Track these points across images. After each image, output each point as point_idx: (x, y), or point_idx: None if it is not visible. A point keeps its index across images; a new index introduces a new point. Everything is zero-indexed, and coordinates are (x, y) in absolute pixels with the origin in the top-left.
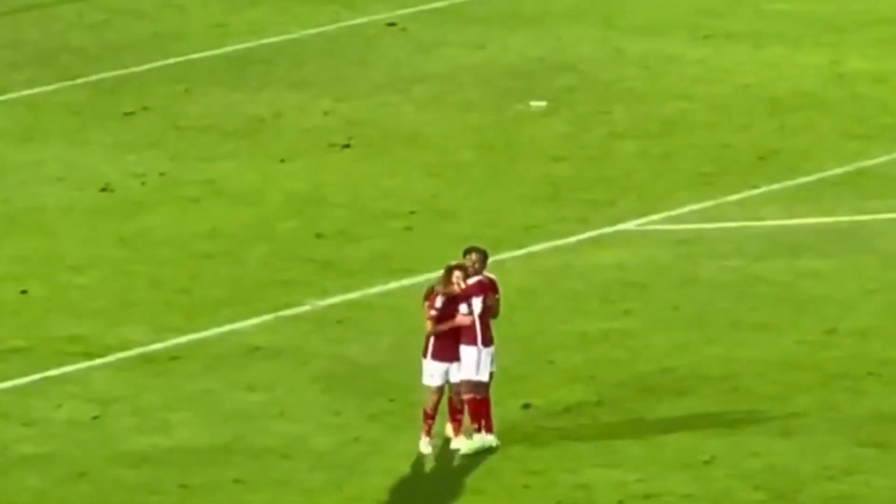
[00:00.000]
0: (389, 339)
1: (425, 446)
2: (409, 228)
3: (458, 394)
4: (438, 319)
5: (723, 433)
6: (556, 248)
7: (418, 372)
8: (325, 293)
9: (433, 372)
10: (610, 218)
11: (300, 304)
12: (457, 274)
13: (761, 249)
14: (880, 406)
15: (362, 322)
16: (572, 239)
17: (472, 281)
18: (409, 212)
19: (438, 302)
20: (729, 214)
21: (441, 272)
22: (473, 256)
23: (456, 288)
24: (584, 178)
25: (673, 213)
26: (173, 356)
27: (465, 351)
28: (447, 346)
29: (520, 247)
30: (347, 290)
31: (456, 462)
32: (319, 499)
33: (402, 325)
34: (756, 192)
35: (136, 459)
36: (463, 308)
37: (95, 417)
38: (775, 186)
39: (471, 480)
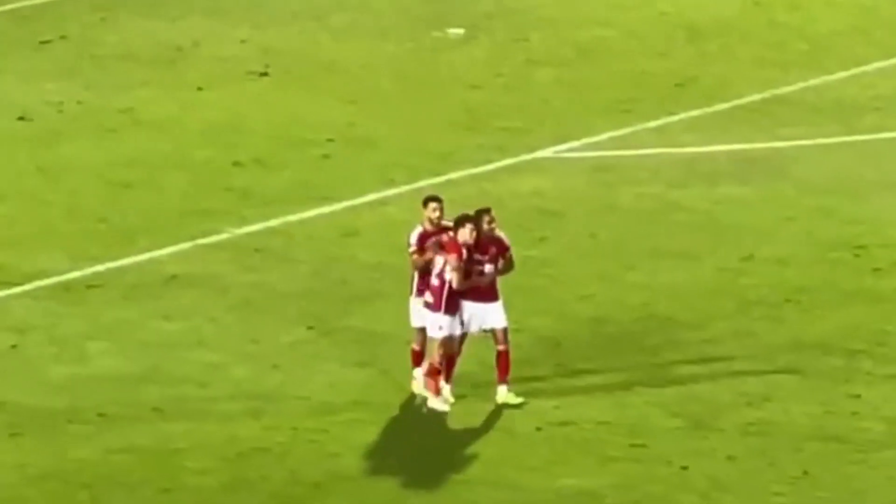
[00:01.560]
0: (308, 267)
1: (441, 404)
2: (326, 156)
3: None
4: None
5: (640, 360)
6: (474, 176)
7: (337, 299)
8: (243, 221)
9: (442, 323)
10: (527, 145)
11: (218, 232)
12: (469, 226)
13: (679, 176)
14: (798, 333)
15: (280, 250)
16: (489, 166)
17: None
18: (327, 140)
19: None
20: (647, 141)
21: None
22: (488, 217)
23: (470, 240)
24: (501, 105)
25: (590, 140)
26: (91, 285)
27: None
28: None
29: (437, 174)
30: (265, 218)
31: (372, 395)
32: (237, 427)
33: (320, 253)
34: (674, 119)
35: (54, 388)
36: (488, 267)
37: (13, 346)
38: (693, 113)
39: (385, 409)
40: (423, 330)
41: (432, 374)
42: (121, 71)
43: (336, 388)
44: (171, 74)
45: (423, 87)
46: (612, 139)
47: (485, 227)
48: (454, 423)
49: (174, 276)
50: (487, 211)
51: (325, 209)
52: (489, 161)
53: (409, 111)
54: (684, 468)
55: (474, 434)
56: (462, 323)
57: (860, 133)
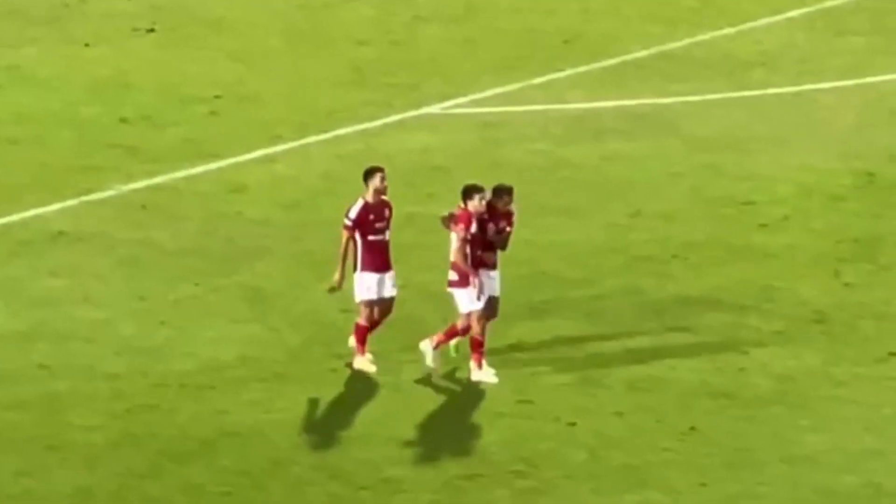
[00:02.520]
0: (195, 224)
1: (489, 376)
2: (214, 113)
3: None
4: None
5: (528, 317)
6: (361, 132)
7: (224, 256)
8: (129, 178)
9: (475, 296)
10: (414, 102)
11: (105, 189)
12: (479, 196)
13: (566, 133)
14: (685, 289)
15: (167, 207)
16: (377, 123)
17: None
18: (214, 97)
19: (474, 227)
20: (534, 98)
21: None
22: (508, 197)
23: (481, 209)
24: (388, 61)
25: (478, 96)
26: None
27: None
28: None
29: (325, 131)
30: (152, 175)
31: (260, 351)
32: (124, 384)
33: (207, 210)
34: (561, 75)
35: None
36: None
37: None
38: (580, 70)
39: (273, 365)
40: (370, 304)
41: (476, 347)
42: (7, 28)
43: (223, 345)
44: (58, 31)
45: (311, 43)
46: (499, 96)
47: (500, 206)
48: (341, 381)
49: (61, 233)
50: (509, 192)
51: (213, 166)
52: (377, 117)
53: (297, 68)
54: (572, 424)
55: (363, 391)
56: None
57: (748, 89)
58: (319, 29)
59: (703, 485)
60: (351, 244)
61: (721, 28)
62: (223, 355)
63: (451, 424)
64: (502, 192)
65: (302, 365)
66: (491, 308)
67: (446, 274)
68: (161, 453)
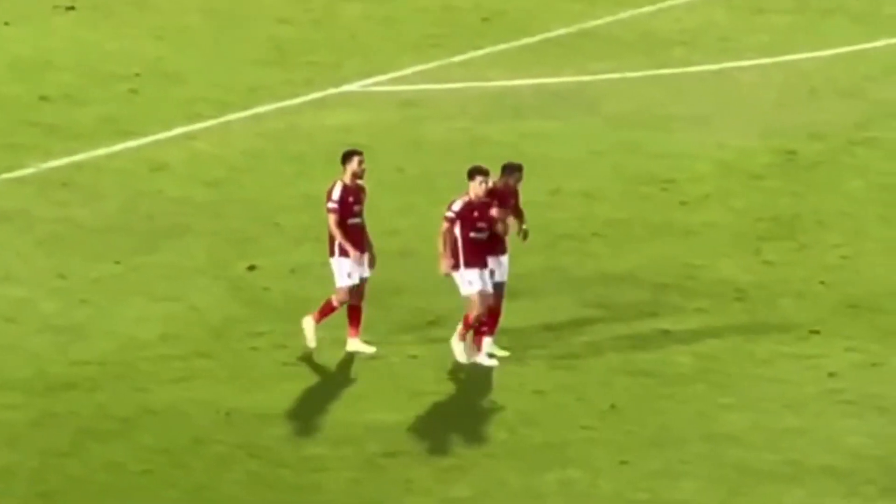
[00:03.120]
0: (115, 202)
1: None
2: (134, 91)
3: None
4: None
5: (448, 294)
6: (282, 110)
7: (145, 234)
8: (50, 156)
9: (471, 278)
10: (335, 79)
11: (25, 166)
12: (480, 178)
13: (486, 110)
14: (606, 267)
15: (88, 185)
16: (298, 100)
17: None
18: (135, 74)
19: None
20: (454, 76)
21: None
22: (519, 174)
23: (481, 192)
24: (309, 40)
25: (398, 74)
26: None
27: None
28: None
29: (245, 108)
30: (73, 153)
31: (181, 330)
32: (45, 363)
33: (127, 188)
34: (481, 52)
35: None
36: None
37: None
38: (500, 47)
39: (196, 343)
40: (350, 289)
41: (467, 326)
42: None
43: (144, 323)
44: None
45: (232, 21)
46: (419, 73)
47: (511, 182)
48: (264, 359)
49: None
50: (519, 168)
51: (133, 143)
52: (297, 95)
53: (218, 46)
54: (493, 402)
55: (282, 369)
56: (492, 274)
57: (668, 67)
58: (240, 7)
59: (624, 462)
60: (333, 228)
61: (641, 6)
62: (144, 334)
63: (372, 403)
64: (513, 168)
65: (223, 343)
66: (497, 293)
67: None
68: (82, 432)
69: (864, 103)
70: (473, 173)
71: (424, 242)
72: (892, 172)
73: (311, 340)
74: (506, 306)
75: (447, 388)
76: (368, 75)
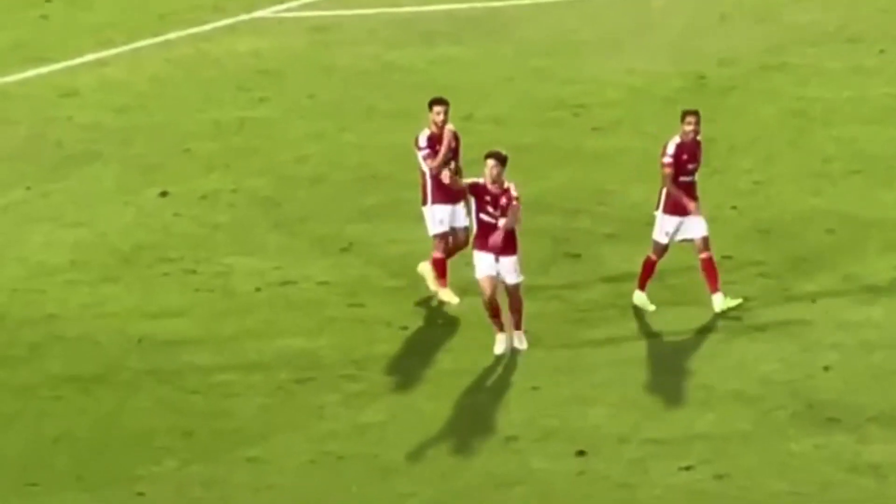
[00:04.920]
0: (24, 128)
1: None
2: (44, 17)
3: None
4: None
5: (359, 220)
6: (192, 36)
7: (53, 160)
8: None
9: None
10: (245, 5)
11: None
12: (492, 162)
13: (396, 36)
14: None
15: None
16: (207, 27)
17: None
18: (46, 0)
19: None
20: (364, 1)
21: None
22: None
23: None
24: None
25: (308, 0)
26: None
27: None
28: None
29: (155, 35)
30: None
31: (90, 256)
32: None
33: (37, 114)
34: None
35: None
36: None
37: None
38: None
39: (105, 269)
40: (444, 237)
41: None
42: None
43: (53, 249)
44: None
45: None
46: None
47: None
48: (171, 284)
49: None
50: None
51: (43, 70)
52: (207, 21)
53: None
54: (404, 328)
55: (192, 296)
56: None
57: None
58: None
59: (535, 388)
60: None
61: None
62: (53, 260)
63: (281, 328)
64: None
65: (132, 269)
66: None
67: (277, 179)
68: None
69: (775, 28)
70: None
71: (336, 168)
72: (804, 98)
73: (432, 285)
74: (416, 232)
75: (358, 314)
76: (279, 1)
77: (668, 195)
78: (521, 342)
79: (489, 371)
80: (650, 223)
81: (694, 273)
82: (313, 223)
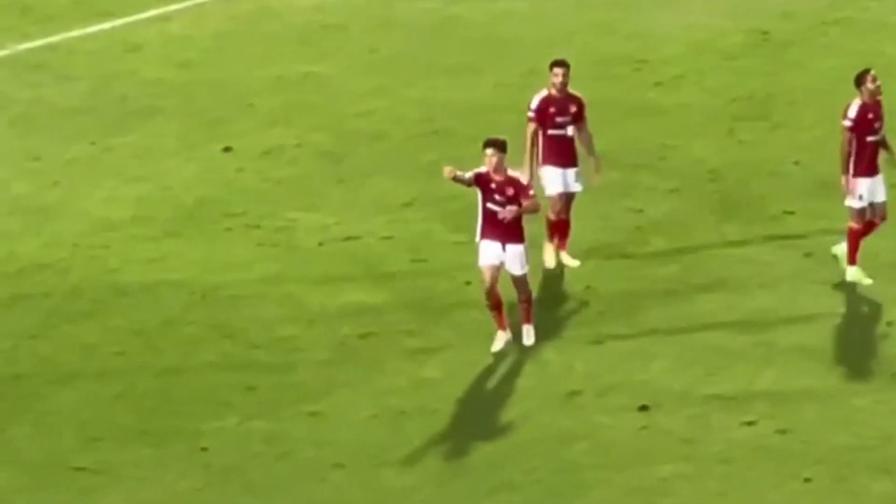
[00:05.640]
0: (89, 83)
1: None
2: None
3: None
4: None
5: (421, 176)
6: None
7: (117, 115)
8: (24, 38)
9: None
10: None
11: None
12: (490, 150)
13: None
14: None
15: (61, 66)
16: None
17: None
18: None
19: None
20: None
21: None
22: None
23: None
24: None
25: None
26: None
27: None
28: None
29: None
30: (47, 34)
31: (153, 211)
32: (17, 244)
33: (101, 69)
34: None
35: None
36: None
37: None
38: None
39: (168, 224)
40: (561, 197)
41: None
42: None
43: (116, 204)
44: None
45: None
46: None
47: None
48: (234, 239)
49: None
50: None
51: (107, 25)
52: None
53: None
54: (467, 283)
55: (254, 251)
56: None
57: None
58: None
59: (597, 343)
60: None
61: None
62: (116, 215)
63: (345, 284)
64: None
65: (195, 224)
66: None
67: (339, 134)
68: (54, 313)
69: None
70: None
71: (397, 124)
72: (865, 52)
73: (549, 260)
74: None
75: (420, 269)
76: None
77: (857, 157)
78: (528, 337)
79: (552, 326)
80: (713, 178)
81: (757, 226)
82: (376, 178)
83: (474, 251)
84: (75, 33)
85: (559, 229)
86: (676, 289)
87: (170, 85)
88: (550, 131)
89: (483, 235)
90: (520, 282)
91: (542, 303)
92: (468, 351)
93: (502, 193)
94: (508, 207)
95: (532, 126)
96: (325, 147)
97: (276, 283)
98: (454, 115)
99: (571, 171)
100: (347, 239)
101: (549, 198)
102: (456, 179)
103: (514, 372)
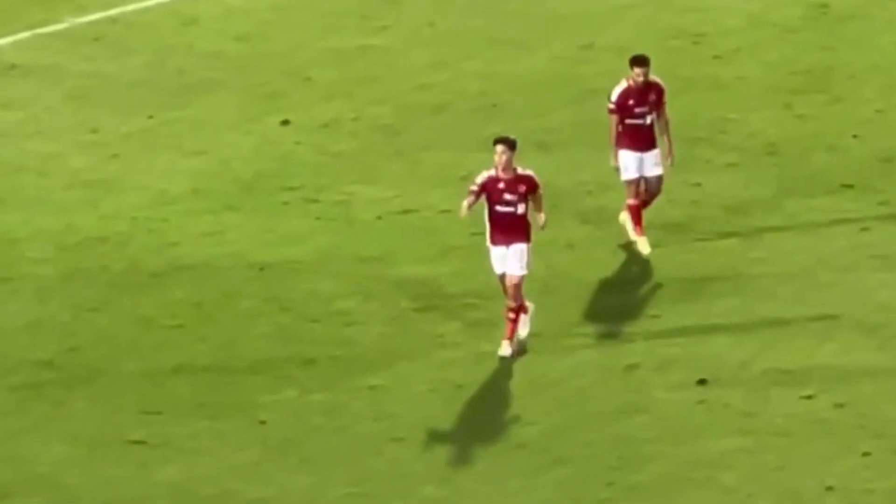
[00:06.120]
0: (146, 56)
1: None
2: None
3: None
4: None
5: (480, 149)
6: None
7: (175, 89)
8: (82, 10)
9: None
10: None
11: (57, 21)
12: (501, 147)
13: None
14: None
15: (119, 39)
16: None
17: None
18: None
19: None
20: None
21: None
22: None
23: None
24: None
25: None
26: None
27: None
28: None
29: None
30: (104, 7)
31: (211, 184)
32: (76, 217)
33: (159, 42)
34: None
35: None
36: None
37: None
38: None
39: (224, 197)
40: (635, 182)
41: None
42: None
43: (175, 178)
44: None
45: None
46: None
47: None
48: (292, 212)
49: (13, 66)
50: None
51: None
52: None
53: None
54: None
55: (312, 224)
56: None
57: None
58: None
59: (656, 316)
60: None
61: None
62: (175, 188)
63: (403, 257)
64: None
65: (253, 197)
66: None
67: (398, 107)
68: (112, 286)
69: None
70: (495, 142)
71: (456, 97)
72: None
73: (631, 234)
74: (536, 160)
75: (479, 243)
76: None
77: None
78: (505, 349)
79: (611, 300)
80: (771, 152)
81: (815, 200)
82: (434, 151)
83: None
84: (132, 6)
85: (635, 213)
86: (735, 262)
87: (227, 58)
88: (629, 121)
89: (493, 240)
90: (515, 285)
91: (598, 276)
92: None
93: (513, 192)
94: (543, 216)
95: (614, 118)
96: (384, 120)
97: (333, 256)
98: (512, 89)
99: (650, 155)
100: (405, 212)
101: (625, 182)
102: (472, 205)
103: (572, 345)
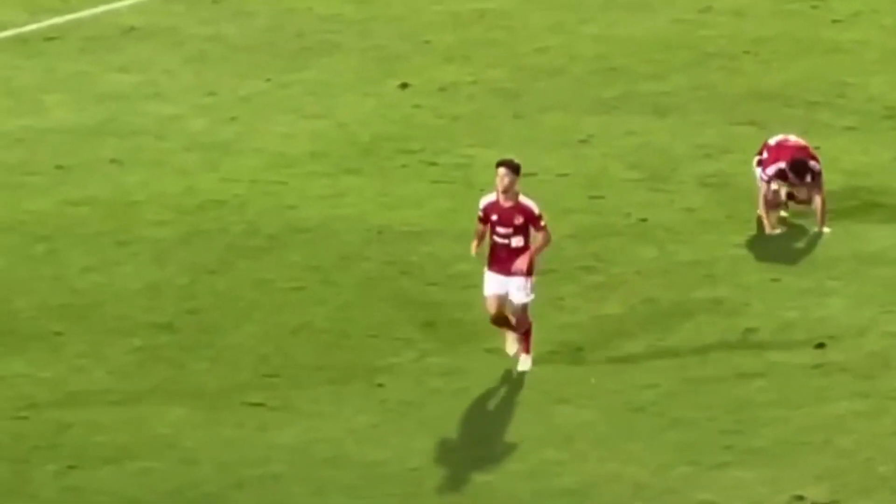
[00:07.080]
0: (264, 19)
1: None
2: None
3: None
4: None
5: (598, 112)
6: None
7: (294, 51)
8: None
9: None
10: None
11: None
12: (503, 170)
13: None
14: (755, 84)
15: (237, 2)
16: None
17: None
18: None
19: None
20: None
21: None
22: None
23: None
24: None
25: None
26: (48, 37)
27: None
28: None
29: None
30: None
31: (329, 147)
32: (195, 179)
33: (277, 5)
34: None
35: (11, 141)
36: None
37: None
38: None
39: (343, 161)
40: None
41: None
42: None
43: (293, 141)
44: None
45: None
46: None
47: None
48: (411, 175)
49: (132, 28)
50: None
51: None
52: None
53: None
54: (643, 220)
55: (431, 187)
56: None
57: None
58: None
59: (775, 280)
60: None
61: None
62: (293, 151)
63: None
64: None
65: (372, 160)
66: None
67: (516, 70)
68: (231, 248)
69: None
70: (498, 164)
71: (574, 60)
72: None
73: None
74: (655, 124)
75: (597, 206)
76: None
77: None
78: (525, 364)
79: (728, 263)
80: (889, 115)
81: None
82: (552, 114)
83: (649, 188)
84: None
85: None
86: (854, 225)
87: (346, 21)
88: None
89: (489, 266)
90: (520, 310)
91: (717, 240)
92: (644, 288)
93: (508, 224)
94: (517, 263)
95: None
96: (502, 84)
97: (452, 219)
98: (630, 52)
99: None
100: (523, 175)
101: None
102: (481, 236)
103: (690, 309)
